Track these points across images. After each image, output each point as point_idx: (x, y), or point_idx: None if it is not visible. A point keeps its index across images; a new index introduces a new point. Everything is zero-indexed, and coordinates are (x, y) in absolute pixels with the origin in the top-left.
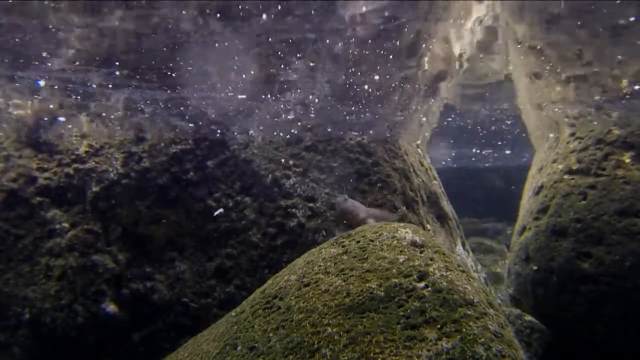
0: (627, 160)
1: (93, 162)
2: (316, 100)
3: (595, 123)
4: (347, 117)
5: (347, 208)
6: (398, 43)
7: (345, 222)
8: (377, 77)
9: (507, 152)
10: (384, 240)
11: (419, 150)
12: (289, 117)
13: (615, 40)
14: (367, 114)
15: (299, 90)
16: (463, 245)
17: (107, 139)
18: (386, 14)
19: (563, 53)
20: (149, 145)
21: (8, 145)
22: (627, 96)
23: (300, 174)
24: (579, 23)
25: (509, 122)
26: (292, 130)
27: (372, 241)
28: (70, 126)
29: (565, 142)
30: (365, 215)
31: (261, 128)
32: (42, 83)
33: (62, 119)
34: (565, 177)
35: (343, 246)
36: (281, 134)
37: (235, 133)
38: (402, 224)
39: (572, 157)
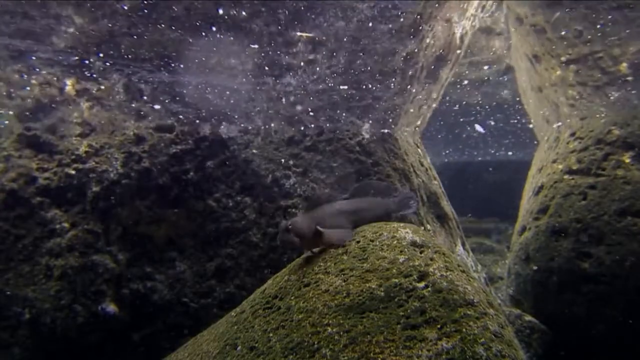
0: (627, 160)
1: (93, 162)
2: (317, 83)
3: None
4: (349, 100)
5: (289, 239)
6: (401, 21)
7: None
8: (377, 58)
9: None
10: (384, 240)
11: (419, 150)
12: (290, 99)
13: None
14: (367, 97)
15: (299, 72)
16: (463, 245)
17: (107, 139)
18: None
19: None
20: (149, 145)
21: (8, 145)
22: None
23: (300, 174)
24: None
25: None
26: (294, 116)
27: (372, 241)
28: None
29: (565, 142)
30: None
31: (259, 110)
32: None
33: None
34: (565, 177)
35: (343, 246)
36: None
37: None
38: (402, 224)
39: (572, 157)
